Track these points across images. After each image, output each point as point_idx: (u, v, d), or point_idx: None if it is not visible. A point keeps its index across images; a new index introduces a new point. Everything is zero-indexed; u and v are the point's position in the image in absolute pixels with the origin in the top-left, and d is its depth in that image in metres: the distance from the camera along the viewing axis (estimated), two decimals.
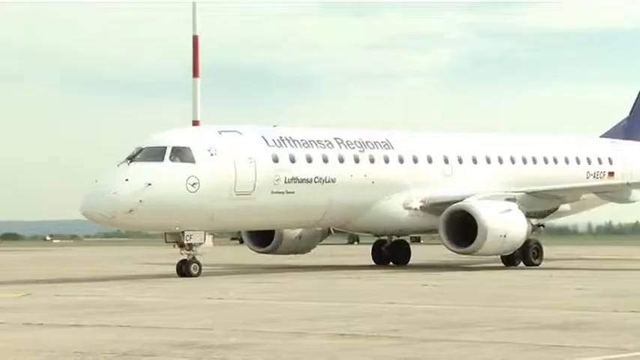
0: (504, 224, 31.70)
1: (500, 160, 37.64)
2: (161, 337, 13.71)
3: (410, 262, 36.97)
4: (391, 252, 36.97)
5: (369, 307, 18.63)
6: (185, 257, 29.59)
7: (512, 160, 37.97)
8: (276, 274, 31.00)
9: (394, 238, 37.12)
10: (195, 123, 61.56)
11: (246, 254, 37.82)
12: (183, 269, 29.25)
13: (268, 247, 34.75)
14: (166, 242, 31.20)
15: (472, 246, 31.61)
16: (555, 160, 39.22)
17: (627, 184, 37.09)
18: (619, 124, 44.03)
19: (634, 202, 36.54)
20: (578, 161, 39.99)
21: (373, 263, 37.13)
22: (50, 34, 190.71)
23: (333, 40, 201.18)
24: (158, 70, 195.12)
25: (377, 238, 38.23)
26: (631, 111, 43.69)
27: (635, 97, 43.89)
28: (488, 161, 37.27)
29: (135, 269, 34.04)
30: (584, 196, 37.00)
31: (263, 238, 34.73)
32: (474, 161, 36.76)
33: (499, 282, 27.48)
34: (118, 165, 28.69)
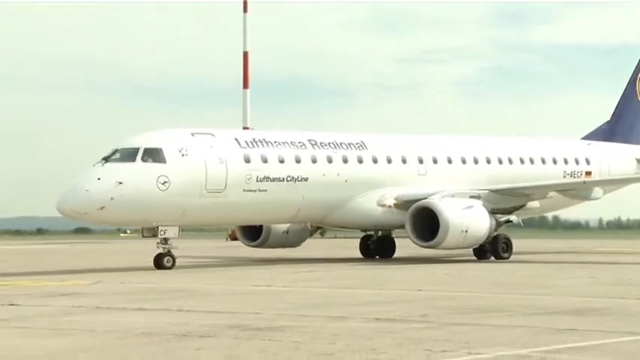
0: (466, 220, 30.93)
1: (476, 161, 36.60)
2: (216, 319, 13.80)
3: (394, 256, 36.08)
4: (377, 246, 35.97)
5: (400, 294, 18.62)
6: (161, 251, 28.99)
7: (488, 161, 36.88)
8: (312, 264, 30.77)
9: (380, 233, 36.20)
10: (245, 129, 61.54)
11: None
12: (159, 262, 28.69)
13: (258, 241, 34.17)
14: (143, 237, 30.90)
15: (435, 240, 30.88)
16: (532, 161, 38.07)
17: (584, 182, 36.39)
18: (599, 127, 42.80)
19: (595, 199, 35.61)
20: (554, 161, 38.87)
21: (361, 256, 36.24)
22: (121, 52, 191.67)
23: (369, 54, 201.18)
24: (212, 81, 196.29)
25: (364, 233, 37.00)
26: (612, 115, 42.47)
27: (616, 103, 42.75)
28: (464, 162, 36.21)
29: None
30: (550, 194, 35.74)
31: (254, 233, 34.15)
32: (449, 161, 35.75)
33: (513, 272, 27.28)
34: (94, 165, 28.16)
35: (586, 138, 41.96)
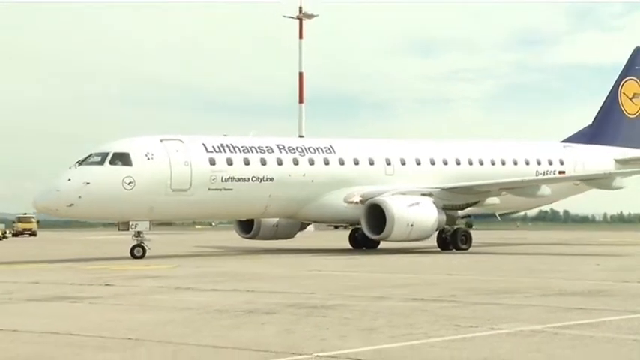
0: (411, 215, 29.75)
1: (445, 162, 35.04)
2: (278, 299, 13.82)
3: (379, 246, 34.47)
4: (363, 237, 33.71)
5: (431, 278, 18.53)
6: (134, 242, 28.61)
7: (458, 162, 35.27)
8: (350, 255, 30.66)
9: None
10: (301, 137, 61.63)
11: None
12: (132, 251, 28.34)
13: (250, 234, 33.55)
14: (119, 230, 30.44)
15: (383, 233, 29.92)
16: (503, 162, 36.26)
17: (521, 180, 33.80)
18: (580, 130, 40.59)
19: (542, 196, 33.36)
20: (527, 162, 36.86)
21: (351, 247, 35.09)
22: (195, 73, 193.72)
23: (406, 74, 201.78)
24: (273, 97, 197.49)
25: (353, 227, 35.54)
26: (594, 120, 40.36)
27: (598, 109, 40.66)
28: (432, 163, 34.68)
29: (225, 248, 34.07)
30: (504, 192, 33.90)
31: (248, 227, 33.49)
32: (418, 163, 34.34)
33: (528, 260, 27.08)
34: (70, 168, 27.83)
35: (567, 141, 40.08)
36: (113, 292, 15.53)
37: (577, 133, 39.93)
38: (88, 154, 28.09)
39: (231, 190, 29.61)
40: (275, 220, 33.01)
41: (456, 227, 32.74)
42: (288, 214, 32.66)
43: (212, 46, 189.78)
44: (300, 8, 73.97)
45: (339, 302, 13.02)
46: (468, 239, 32.40)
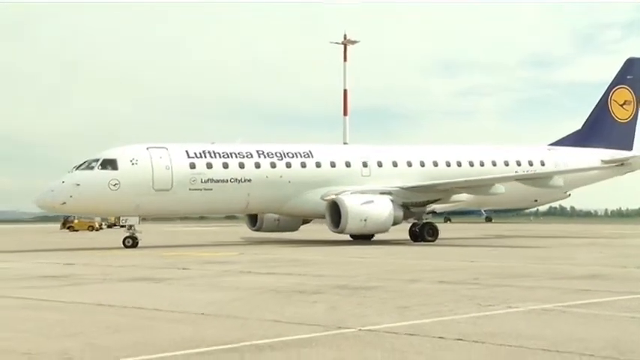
0: (364, 211, 28.85)
1: (422, 164, 33.50)
2: (325, 281, 13.82)
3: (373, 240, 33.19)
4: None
5: (455, 264, 18.40)
6: (126, 234, 28.99)
7: (435, 164, 33.62)
8: (384, 244, 30.47)
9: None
10: (345, 144, 61.60)
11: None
12: (124, 242, 28.71)
13: (256, 227, 33.19)
14: (122, 224, 30.39)
15: (340, 227, 29.17)
16: (482, 163, 34.27)
17: (464, 181, 32.01)
18: (569, 134, 38.29)
19: (496, 194, 31.20)
20: (506, 163, 34.58)
21: (350, 239, 33.21)
22: (256, 90, 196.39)
23: (434, 89, 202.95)
24: (321, 110, 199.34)
25: None
26: (583, 124, 38.16)
27: (588, 115, 38.46)
28: (410, 164, 33.30)
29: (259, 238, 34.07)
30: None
31: (255, 221, 33.09)
32: (394, 165, 33.00)
33: (539, 249, 26.74)
34: (68, 172, 28.10)
35: (556, 144, 37.79)
36: (188, 275, 15.67)
37: (565, 137, 38.14)
38: (84, 160, 28.46)
39: (211, 190, 29.37)
40: (276, 215, 32.53)
41: (424, 222, 31.54)
42: (270, 210, 32.25)
43: (271, 68, 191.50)
44: (345, 35, 74.76)
45: (378, 284, 12.99)
46: (434, 232, 31.19)
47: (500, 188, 31.01)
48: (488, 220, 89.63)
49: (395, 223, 30.35)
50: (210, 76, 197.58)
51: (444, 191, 31.43)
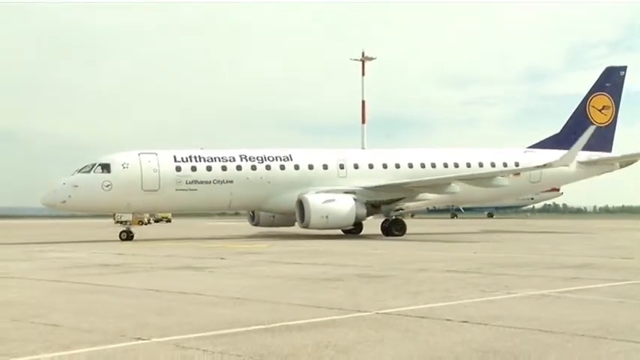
0: (326, 208, 28.28)
1: (398, 166, 32.30)
2: (345, 270, 13.81)
3: (361, 233, 32.59)
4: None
5: (461, 255, 18.33)
6: (122, 229, 29.31)
7: (410, 165, 32.24)
8: (387, 241, 30.34)
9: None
10: (363, 148, 61.51)
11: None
12: (120, 235, 28.97)
13: (254, 222, 32.89)
14: (116, 219, 30.44)
15: (304, 222, 28.70)
16: (456, 165, 32.67)
17: (416, 180, 30.71)
18: (548, 137, 36.10)
19: (453, 193, 30.11)
20: (480, 164, 32.78)
21: (342, 233, 32.38)
22: (291, 102, 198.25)
23: (443, 100, 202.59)
24: (342, 119, 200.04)
25: None
26: (562, 128, 36.08)
27: (567, 119, 36.45)
28: (385, 166, 32.13)
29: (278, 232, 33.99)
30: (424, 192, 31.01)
31: (254, 217, 32.78)
32: (370, 166, 31.91)
33: (535, 242, 26.56)
34: (71, 174, 28.50)
35: (535, 146, 35.68)
36: (226, 264, 15.71)
37: (544, 140, 36.33)
38: (84, 164, 28.80)
39: (196, 190, 29.30)
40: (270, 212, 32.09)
41: (393, 218, 30.73)
42: (252, 207, 32.17)
43: (299, 81, 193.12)
44: (363, 53, 75.02)
45: (392, 273, 12.97)
46: (402, 228, 30.31)
47: (455, 187, 29.97)
48: (490, 216, 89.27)
49: (358, 220, 29.83)
50: (246, 90, 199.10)
51: (406, 190, 30.57)
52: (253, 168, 30.32)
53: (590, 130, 29.27)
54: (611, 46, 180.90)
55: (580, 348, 6.00)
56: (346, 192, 29.70)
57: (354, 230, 32.02)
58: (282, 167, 30.78)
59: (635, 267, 13.97)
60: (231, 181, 29.78)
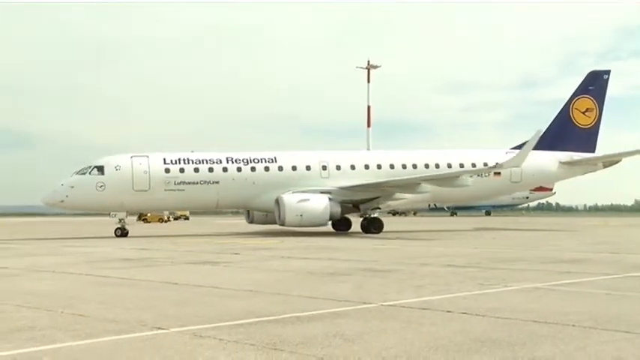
0: (300, 207, 28.01)
1: (379, 166, 31.35)
2: (351, 264, 13.78)
3: (350, 230, 32.08)
4: (339, 222, 31.57)
5: (461, 251, 18.27)
6: (118, 226, 29.50)
7: (392, 166, 31.53)
8: (391, 238, 30.29)
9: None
10: (367, 150, 61.42)
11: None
12: (115, 232, 29.32)
13: (249, 220, 32.49)
14: (109, 216, 30.29)
15: (280, 220, 28.57)
16: (437, 165, 31.68)
17: (383, 180, 29.99)
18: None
19: (423, 193, 29.48)
20: (461, 165, 31.65)
21: (332, 230, 31.98)
22: (297, 107, 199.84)
23: (443, 105, 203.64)
24: (349, 123, 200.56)
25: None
26: (546, 130, 34.36)
27: (551, 121, 35.16)
28: (367, 167, 31.45)
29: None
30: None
31: (249, 216, 32.36)
32: (352, 167, 31.29)
33: (529, 238, 26.46)
34: (70, 176, 28.87)
35: (518, 147, 33.62)
36: (239, 259, 15.73)
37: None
38: (82, 166, 29.15)
39: (184, 190, 29.35)
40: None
41: (371, 217, 30.25)
42: (239, 206, 32.20)
43: (308, 88, 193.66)
44: (368, 61, 75.54)
45: (395, 267, 12.95)
46: (379, 226, 29.83)
47: (425, 187, 29.47)
48: (487, 214, 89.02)
49: (333, 218, 29.43)
50: (259, 95, 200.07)
51: (380, 190, 29.92)
52: (239, 169, 30.26)
53: (539, 133, 28.56)
54: (600, 55, 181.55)
55: (572, 337, 5.99)
56: (322, 192, 29.40)
57: (342, 227, 31.76)
58: (267, 169, 30.58)
59: (622, 261, 13.91)
60: (217, 182, 29.79)
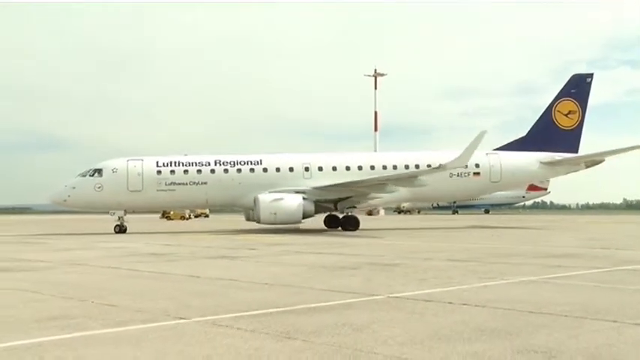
0: (274, 206, 27.78)
1: (360, 168, 31.20)
2: (360, 259, 13.76)
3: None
4: (330, 220, 31.38)
5: (461, 246, 18.20)
6: (117, 223, 29.87)
7: (372, 167, 30.88)
8: (395, 232, 30.19)
9: (330, 213, 31.39)
10: (374, 151, 61.35)
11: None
12: (114, 228, 29.67)
13: (247, 218, 32.23)
14: (109, 214, 30.48)
15: (256, 218, 28.53)
16: (417, 166, 30.70)
17: (353, 180, 29.18)
18: (514, 140, 33.74)
19: (391, 192, 29.00)
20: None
21: (325, 227, 31.48)
22: (305, 111, 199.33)
23: (445, 111, 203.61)
24: (357, 127, 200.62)
25: (325, 214, 31.86)
26: (528, 131, 33.89)
27: (534, 123, 34.14)
28: (348, 169, 30.89)
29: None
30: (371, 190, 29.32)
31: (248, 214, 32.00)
32: (334, 169, 30.82)
33: (525, 235, 26.31)
34: (74, 178, 29.53)
35: (501, 148, 33.55)
36: (255, 254, 15.73)
37: (511, 142, 34.02)
38: (85, 170, 29.79)
39: (174, 190, 29.70)
40: None
41: (347, 215, 29.87)
42: (226, 205, 32.34)
43: (318, 94, 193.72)
44: (375, 70, 75.79)
45: (401, 262, 12.93)
46: (355, 224, 29.33)
47: (393, 187, 29.08)
48: (486, 212, 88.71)
49: (306, 216, 28.91)
50: (273, 102, 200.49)
51: (350, 190, 29.33)
52: (226, 171, 30.36)
53: (483, 133, 27.71)
54: (590, 64, 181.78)
55: (565, 326, 5.97)
56: (297, 192, 29.18)
57: (333, 225, 31.00)
58: (252, 170, 30.55)
59: (611, 256, 13.80)
60: (205, 183, 30.00)
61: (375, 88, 75.76)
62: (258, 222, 28.71)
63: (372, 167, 31.19)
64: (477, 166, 31.85)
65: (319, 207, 29.62)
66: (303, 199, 28.71)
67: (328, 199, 29.75)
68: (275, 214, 28.12)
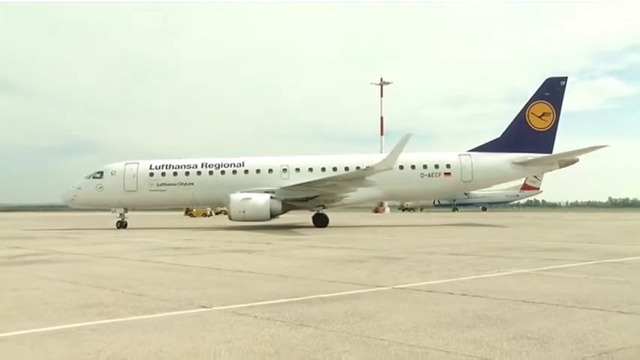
0: (243, 204, 27.72)
1: (335, 169, 30.20)
2: (367, 253, 13.75)
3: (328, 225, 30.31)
4: (318, 218, 30.15)
5: (461, 241, 18.14)
6: (119, 219, 30.81)
7: (346, 168, 30.31)
8: (399, 228, 30.10)
9: (320, 210, 30.45)
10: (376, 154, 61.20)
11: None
12: (116, 224, 30.59)
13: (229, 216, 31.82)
14: (111, 212, 31.03)
15: (228, 215, 28.43)
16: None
17: (312, 180, 28.54)
18: (489, 142, 32.61)
19: (352, 191, 28.69)
20: (413, 167, 30.53)
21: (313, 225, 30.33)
22: (318, 117, 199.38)
23: (444, 117, 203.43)
24: (364, 132, 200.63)
25: (313, 211, 30.81)
26: (502, 133, 32.83)
27: (508, 125, 33.09)
28: (323, 169, 30.43)
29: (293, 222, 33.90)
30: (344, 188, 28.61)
31: None
32: (310, 170, 30.48)
33: (519, 231, 26.16)
34: (82, 179, 30.62)
35: (475, 150, 32.50)
36: (271, 248, 15.74)
37: (485, 144, 32.88)
38: (91, 172, 30.86)
39: (164, 190, 30.41)
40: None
41: (317, 213, 29.67)
42: (212, 204, 33.58)
43: (328, 102, 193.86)
44: (381, 78, 75.57)
45: (405, 256, 12.91)
46: (325, 221, 29.16)
47: (350, 187, 28.62)
48: (484, 209, 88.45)
49: (274, 214, 28.64)
50: (285, 108, 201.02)
51: (313, 189, 28.75)
52: (210, 173, 30.78)
53: (408, 136, 27.08)
54: (578, 73, 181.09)
55: (555, 314, 5.96)
56: (266, 191, 29.02)
57: (320, 224, 29.69)
58: (235, 172, 30.77)
59: (598, 250, 13.72)
60: (192, 184, 30.60)
61: (381, 95, 75.91)
62: (230, 219, 28.90)
63: (347, 168, 30.57)
64: (448, 166, 31.19)
65: (290, 206, 29.51)
66: (271, 197, 28.54)
67: (296, 199, 29.40)
68: (244, 211, 28.16)
